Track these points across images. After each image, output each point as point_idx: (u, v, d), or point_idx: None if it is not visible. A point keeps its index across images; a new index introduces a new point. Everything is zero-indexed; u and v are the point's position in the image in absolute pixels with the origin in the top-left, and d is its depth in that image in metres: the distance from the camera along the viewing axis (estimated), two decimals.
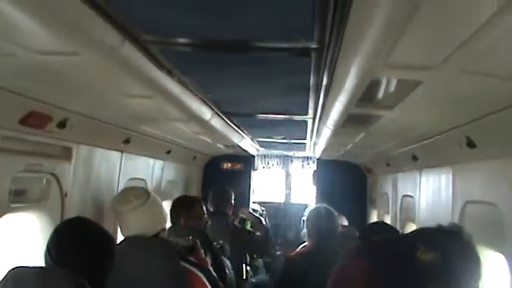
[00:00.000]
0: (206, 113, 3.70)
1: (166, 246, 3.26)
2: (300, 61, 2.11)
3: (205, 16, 1.71)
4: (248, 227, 6.35)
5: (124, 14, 1.73)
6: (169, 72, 2.48)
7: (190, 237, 3.85)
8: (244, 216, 6.40)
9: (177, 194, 6.30)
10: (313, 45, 1.92)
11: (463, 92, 2.13)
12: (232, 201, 6.10)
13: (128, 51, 2.00)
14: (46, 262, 2.43)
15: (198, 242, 3.87)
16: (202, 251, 3.88)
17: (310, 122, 4.22)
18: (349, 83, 2.16)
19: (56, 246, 2.43)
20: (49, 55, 1.89)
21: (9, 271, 2.21)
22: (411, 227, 4.63)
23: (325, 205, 4.69)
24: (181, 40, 2.00)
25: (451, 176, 3.40)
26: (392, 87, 2.31)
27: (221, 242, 5.05)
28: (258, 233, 6.15)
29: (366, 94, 2.32)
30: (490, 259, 2.75)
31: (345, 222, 5.72)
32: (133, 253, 3.11)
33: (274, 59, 2.16)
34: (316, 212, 4.62)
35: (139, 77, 2.35)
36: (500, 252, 2.60)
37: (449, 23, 1.45)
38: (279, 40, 1.92)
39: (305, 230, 4.76)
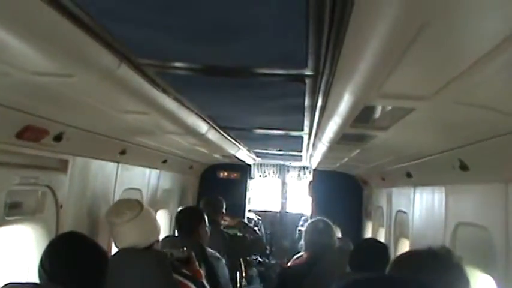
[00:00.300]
0: (202, 127, 3.71)
1: (159, 258, 3.26)
2: (295, 86, 2.13)
3: (203, 43, 1.73)
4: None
5: (120, 39, 1.74)
6: (165, 91, 2.50)
7: (185, 249, 3.85)
8: (225, 223, 6.33)
9: (173, 203, 6.39)
10: (308, 72, 1.94)
11: (455, 120, 2.14)
12: (224, 210, 6.08)
13: (124, 73, 2.02)
14: (40, 276, 2.43)
15: (193, 253, 3.87)
16: (197, 263, 3.88)
17: (305, 137, 4.25)
18: (343, 107, 2.17)
19: (50, 261, 2.44)
20: (44, 76, 1.90)
21: (2, 286, 2.21)
22: (404, 244, 4.64)
23: (323, 218, 4.69)
24: (178, 64, 2.02)
25: (444, 195, 3.40)
26: (386, 111, 2.31)
27: (218, 254, 5.01)
28: (246, 235, 6.16)
29: (361, 116, 2.32)
30: (480, 281, 2.76)
31: (339, 234, 5.71)
32: (127, 265, 3.11)
33: (270, 84, 2.18)
34: (314, 226, 4.62)
35: (135, 96, 2.37)
36: (490, 275, 2.60)
37: (444, 56, 1.46)
38: (274, 67, 1.93)
39: (302, 242, 4.75)
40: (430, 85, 1.70)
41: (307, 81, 2.06)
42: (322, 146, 3.81)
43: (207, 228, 4.69)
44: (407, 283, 1.47)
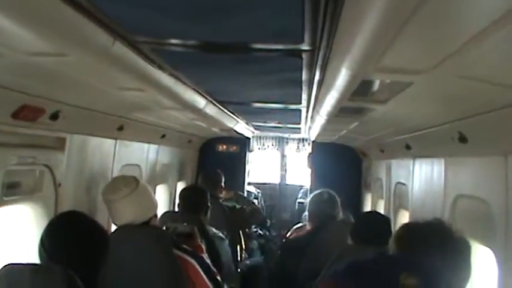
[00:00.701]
0: (200, 102, 3.71)
1: (158, 234, 3.28)
2: (292, 61, 2.11)
3: (199, 19, 1.71)
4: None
5: (114, 17, 1.73)
6: (161, 68, 2.49)
7: (187, 224, 3.87)
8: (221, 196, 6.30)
9: (172, 177, 6.40)
10: (305, 47, 1.92)
11: (454, 93, 2.13)
12: (222, 184, 6.08)
13: (119, 51, 2.00)
14: (40, 256, 2.43)
15: (195, 228, 3.89)
16: (199, 238, 3.89)
17: (304, 110, 4.26)
18: (340, 81, 2.15)
19: (50, 240, 2.43)
20: (39, 56, 1.89)
21: (2, 268, 2.21)
22: (404, 215, 4.66)
23: (328, 190, 4.74)
24: (174, 41, 2.01)
25: (443, 167, 3.40)
26: (384, 84, 2.30)
27: (221, 234, 4.99)
28: (245, 207, 6.17)
29: (358, 89, 2.31)
30: (478, 254, 2.77)
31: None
32: (125, 242, 3.12)
33: (267, 59, 2.16)
34: (319, 197, 4.67)
35: (130, 73, 2.36)
36: (489, 248, 2.61)
37: (442, 31, 1.44)
38: (271, 42, 1.92)
39: (306, 213, 4.83)
40: (428, 59, 1.69)
41: (304, 55, 2.04)
42: (321, 118, 3.81)
43: (208, 210, 4.70)
44: (407, 262, 1.49)
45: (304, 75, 2.51)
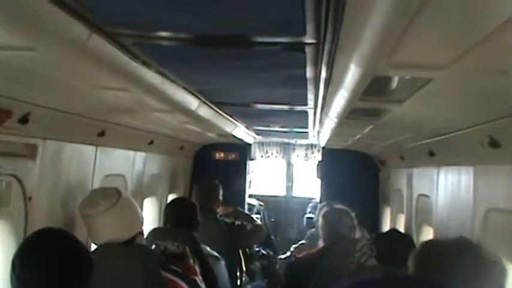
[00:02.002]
0: (192, 103, 3.73)
1: (143, 253, 3.29)
2: (294, 56, 2.13)
3: (188, 9, 1.72)
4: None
5: (89, 6, 1.73)
6: (146, 64, 2.50)
7: (178, 243, 3.88)
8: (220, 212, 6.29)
9: (162, 189, 6.44)
10: (307, 40, 1.93)
11: (481, 90, 2.13)
12: (221, 197, 6.10)
13: (96, 45, 2.02)
14: (12, 282, 2.39)
15: (187, 248, 3.90)
16: (191, 259, 3.91)
17: (311, 112, 4.29)
18: (350, 78, 2.17)
19: (22, 263, 2.38)
20: (3, 50, 1.90)
21: None
22: (428, 232, 4.64)
23: (343, 207, 4.85)
24: (160, 34, 2.01)
25: (472, 177, 3.39)
26: (400, 82, 2.32)
27: (216, 254, 4.99)
28: (245, 223, 6.21)
29: (371, 88, 2.32)
30: None
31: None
32: (106, 264, 3.13)
33: (266, 53, 2.18)
34: (328, 212, 4.78)
35: (110, 70, 2.38)
36: None
37: (465, 17, 1.41)
38: (270, 34, 1.93)
39: (320, 231, 4.94)
40: (448, 52, 1.68)
41: (308, 50, 2.05)
42: (330, 121, 3.84)
43: (199, 225, 4.77)
44: (418, 283, 1.50)
45: (309, 72, 2.52)
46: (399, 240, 3.65)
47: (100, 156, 4.24)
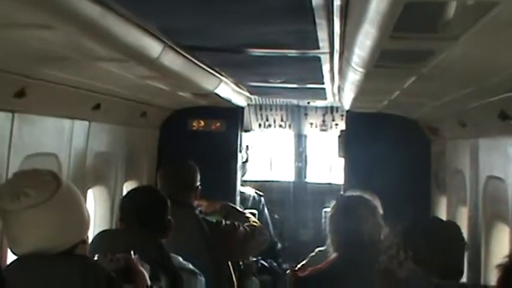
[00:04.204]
0: (153, 47, 3.74)
1: (85, 270, 3.27)
2: None
3: None
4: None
5: None
6: None
7: (127, 254, 3.85)
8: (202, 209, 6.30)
9: (115, 175, 6.46)
10: None
11: None
12: (198, 184, 6.03)
13: None
14: None
15: (134, 259, 3.86)
16: (146, 275, 3.89)
17: (325, 58, 4.30)
18: (374, 5, 2.19)
19: None
20: None
21: None
22: (502, 231, 4.64)
23: (360, 195, 4.86)
24: None
25: None
26: (449, 9, 2.33)
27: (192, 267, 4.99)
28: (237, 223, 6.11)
29: (407, 18, 2.32)
30: None
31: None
32: (30, 283, 3.14)
33: None
34: (344, 207, 4.76)
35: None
36: None
37: None
38: None
39: (328, 236, 4.91)
40: None
41: None
42: (354, 72, 3.82)
43: (170, 227, 4.78)
44: None
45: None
46: (444, 232, 3.64)
47: (19, 127, 4.23)
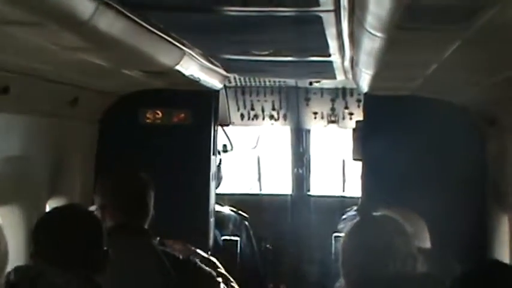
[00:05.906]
0: (82, 5, 3.66)
1: None
2: None
3: None
4: None
5: None
6: None
7: None
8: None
9: (33, 189, 6.34)
10: None
11: None
12: (151, 205, 5.95)
13: None
14: None
15: None
16: None
17: (328, 19, 4.24)
18: None
19: None
20: None
21: None
22: None
23: (386, 214, 4.81)
24: None
25: None
26: None
27: None
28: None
29: None
30: None
31: (427, 243, 5.84)
32: None
33: None
34: (364, 233, 4.68)
35: None
36: None
37: None
38: None
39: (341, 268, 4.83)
40: None
41: None
42: (370, 38, 3.78)
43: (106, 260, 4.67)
44: None
45: None
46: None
47: None
